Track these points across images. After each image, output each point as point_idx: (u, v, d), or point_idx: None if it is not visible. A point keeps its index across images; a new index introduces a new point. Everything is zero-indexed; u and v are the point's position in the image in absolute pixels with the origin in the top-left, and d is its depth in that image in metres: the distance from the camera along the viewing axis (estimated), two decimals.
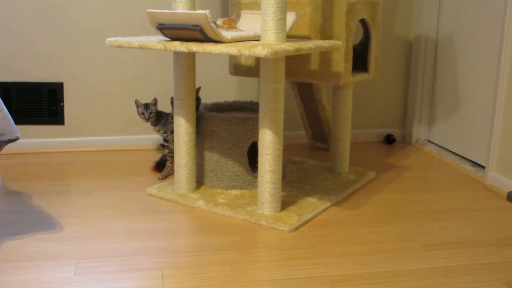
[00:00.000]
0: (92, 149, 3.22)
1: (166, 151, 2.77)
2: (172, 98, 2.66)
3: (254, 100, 3.34)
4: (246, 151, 2.48)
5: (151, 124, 2.72)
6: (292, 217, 2.21)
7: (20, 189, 2.53)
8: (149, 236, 2.06)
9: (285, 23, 2.06)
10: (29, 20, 3.03)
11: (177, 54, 2.35)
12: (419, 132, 3.51)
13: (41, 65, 3.10)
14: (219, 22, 2.30)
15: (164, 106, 3.27)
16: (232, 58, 2.79)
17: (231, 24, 2.30)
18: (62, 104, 3.15)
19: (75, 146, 3.21)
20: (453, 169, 2.98)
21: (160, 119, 2.72)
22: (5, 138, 1.86)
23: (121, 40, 2.20)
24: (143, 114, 2.67)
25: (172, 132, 2.69)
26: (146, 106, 2.67)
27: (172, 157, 2.73)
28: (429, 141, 3.52)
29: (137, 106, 2.69)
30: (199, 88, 2.61)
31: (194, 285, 1.71)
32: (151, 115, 2.67)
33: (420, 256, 1.94)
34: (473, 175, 2.85)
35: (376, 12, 2.67)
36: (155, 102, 2.69)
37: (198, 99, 2.59)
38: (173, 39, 2.16)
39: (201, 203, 2.35)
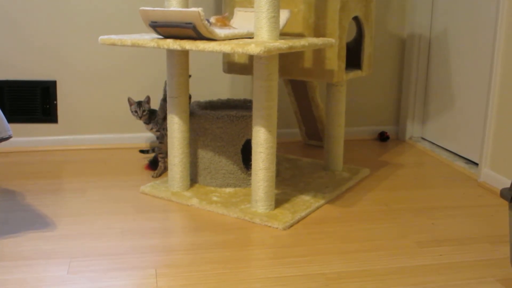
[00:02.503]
0: (86, 147, 3.21)
1: (156, 148, 2.76)
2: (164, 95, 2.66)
3: (248, 98, 3.33)
4: (240, 149, 2.48)
5: (144, 122, 2.72)
6: (286, 215, 2.21)
7: (13, 188, 2.52)
8: (143, 234, 2.06)
9: (278, 21, 2.06)
10: (23, 17, 3.01)
11: (170, 52, 2.35)
12: (412, 129, 3.52)
13: (34, 63, 3.08)
14: (212, 19, 2.30)
15: (158, 104, 3.27)
16: (226, 56, 2.78)
17: (224, 22, 2.30)
18: (55, 102, 3.14)
19: (68, 144, 3.20)
20: (446, 166, 2.98)
21: (153, 117, 2.71)
22: None
23: (114, 38, 2.19)
24: (136, 112, 2.66)
25: (162, 128, 2.69)
26: (139, 104, 2.67)
27: (163, 157, 2.72)
28: (422, 138, 3.52)
29: (130, 104, 2.68)
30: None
31: (187, 284, 1.71)
32: (144, 113, 2.67)
33: (414, 253, 1.94)
34: (467, 172, 2.86)
35: (369, 10, 2.67)
36: (148, 100, 2.69)
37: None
38: (166, 37, 2.16)
39: (194, 201, 2.35)
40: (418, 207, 2.39)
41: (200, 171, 2.54)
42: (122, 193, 2.48)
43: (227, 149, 2.47)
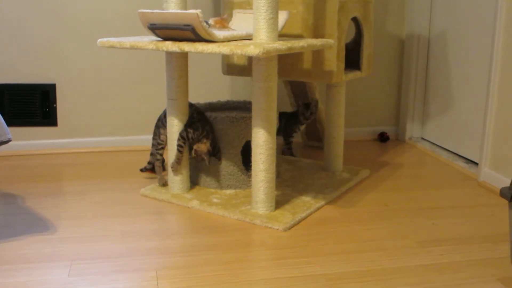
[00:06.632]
0: (86, 150, 3.21)
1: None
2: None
3: (248, 99, 3.33)
4: (240, 151, 2.48)
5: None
6: (287, 216, 2.21)
7: (13, 191, 2.52)
8: (144, 236, 2.06)
9: (277, 22, 2.06)
10: (22, 20, 3.02)
11: (169, 54, 2.35)
12: (412, 129, 3.52)
13: (34, 66, 3.08)
14: (211, 21, 2.30)
15: (159, 107, 3.28)
16: (225, 57, 2.78)
17: (223, 24, 2.30)
18: (55, 105, 3.14)
19: (68, 147, 3.20)
20: (446, 166, 2.98)
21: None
22: None
23: (113, 40, 2.19)
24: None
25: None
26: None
27: (159, 159, 2.56)
28: (422, 138, 3.52)
29: None
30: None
31: (188, 285, 1.71)
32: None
33: (414, 253, 1.94)
34: (467, 172, 2.86)
35: (368, 10, 2.67)
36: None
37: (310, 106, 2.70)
38: (165, 39, 2.16)
39: (195, 203, 2.35)
40: (418, 207, 2.39)
41: (200, 173, 2.54)
42: (122, 196, 2.48)
43: (227, 150, 2.47)
